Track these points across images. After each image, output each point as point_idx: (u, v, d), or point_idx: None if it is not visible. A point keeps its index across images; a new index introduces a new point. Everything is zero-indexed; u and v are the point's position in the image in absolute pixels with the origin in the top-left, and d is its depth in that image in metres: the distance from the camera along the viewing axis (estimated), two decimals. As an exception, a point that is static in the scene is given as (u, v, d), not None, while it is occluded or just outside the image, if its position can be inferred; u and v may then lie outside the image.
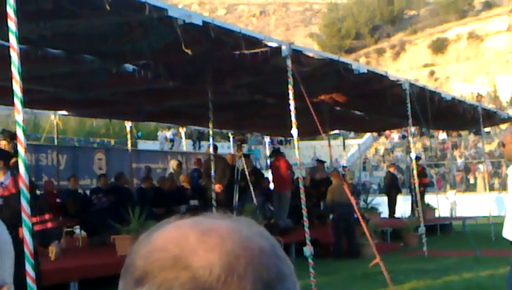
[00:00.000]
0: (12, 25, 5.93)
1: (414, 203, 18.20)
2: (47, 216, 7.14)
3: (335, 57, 12.08)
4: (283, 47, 9.38)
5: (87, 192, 14.79)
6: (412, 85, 13.84)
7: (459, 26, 63.56)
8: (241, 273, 0.72)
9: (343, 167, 22.63)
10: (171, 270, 0.72)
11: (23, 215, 5.88)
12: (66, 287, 9.01)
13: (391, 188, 21.50)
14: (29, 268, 5.80)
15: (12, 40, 5.95)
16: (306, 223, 9.39)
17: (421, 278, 10.45)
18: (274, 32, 76.38)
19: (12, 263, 1.09)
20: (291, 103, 9.35)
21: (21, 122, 5.97)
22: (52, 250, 6.94)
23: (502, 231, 5.91)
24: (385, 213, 20.05)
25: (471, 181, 35.63)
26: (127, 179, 15.44)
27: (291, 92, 9.32)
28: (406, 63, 64.32)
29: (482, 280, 10.18)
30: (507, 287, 5.60)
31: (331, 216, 14.36)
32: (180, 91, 12.89)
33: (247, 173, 14.42)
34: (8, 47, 6.05)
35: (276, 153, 16.45)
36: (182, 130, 21.40)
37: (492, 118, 19.77)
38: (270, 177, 16.64)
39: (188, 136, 29.69)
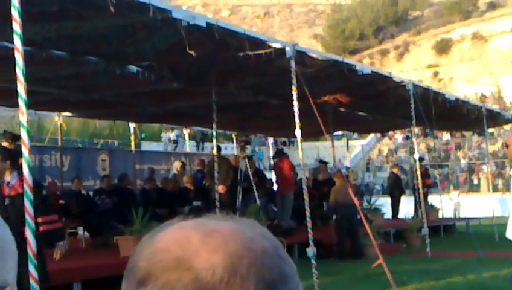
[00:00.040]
0: (17, 26, 5.95)
1: (418, 204, 18.18)
2: (54, 217, 7.18)
3: (339, 58, 12.08)
4: (287, 48, 9.38)
5: (91, 193, 14.81)
6: (415, 86, 13.83)
7: (463, 27, 63.49)
8: (244, 274, 0.72)
9: (347, 167, 22.59)
10: (174, 271, 0.72)
11: (26, 216, 5.90)
12: (69, 288, 9.03)
13: (394, 188, 21.49)
14: (32, 269, 5.81)
15: (17, 42, 5.98)
16: (309, 224, 9.39)
17: (424, 279, 10.44)
18: (278, 34, 76.38)
19: (16, 263, 1.10)
20: (295, 104, 9.36)
21: (25, 124, 5.99)
22: (58, 251, 6.97)
23: (505, 231, 5.91)
24: (388, 214, 20.04)
25: (475, 182, 35.58)
26: (130, 180, 15.46)
27: (295, 93, 9.32)
28: (410, 64, 64.25)
29: (485, 280, 10.17)
30: (510, 287, 5.60)
31: (334, 217, 14.35)
32: (184, 92, 12.90)
33: (250, 173, 14.44)
34: (13, 49, 6.08)
35: (279, 154, 16.45)
36: (186, 132, 21.43)
37: (496, 118, 19.72)
38: (274, 178, 16.65)
39: (192, 137, 29.70)
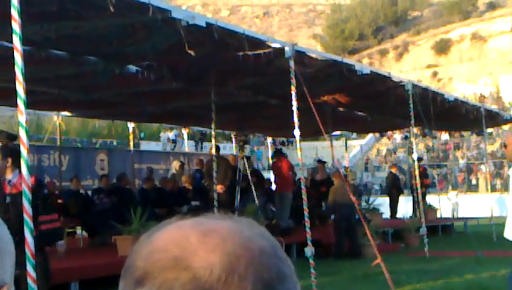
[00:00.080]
0: (16, 26, 5.95)
1: (416, 204, 18.20)
2: (54, 216, 7.21)
3: (338, 58, 12.07)
4: (286, 48, 9.38)
5: (89, 193, 14.80)
6: (414, 86, 13.83)
7: (463, 27, 63.50)
8: (242, 273, 0.72)
9: (345, 167, 22.62)
10: (172, 270, 0.72)
11: (25, 216, 5.90)
12: (67, 287, 9.03)
13: (393, 188, 21.50)
14: (30, 268, 5.81)
15: (16, 42, 5.98)
16: (307, 224, 9.39)
17: (423, 279, 10.44)
18: (277, 34, 76.34)
19: (13, 263, 1.10)
20: (294, 103, 9.36)
21: (24, 123, 5.99)
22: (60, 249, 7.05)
23: (503, 231, 5.92)
24: (387, 214, 20.05)
25: (473, 182, 35.59)
26: (129, 179, 15.45)
27: (294, 93, 9.32)
28: (409, 64, 64.26)
29: (483, 280, 10.18)
30: (508, 287, 5.61)
31: (332, 217, 14.36)
32: (183, 92, 12.90)
33: (248, 173, 14.44)
34: (12, 48, 6.08)
35: (278, 154, 16.45)
36: (185, 131, 21.40)
37: (495, 118, 19.73)
38: (272, 178, 16.66)
39: (191, 137, 29.68)
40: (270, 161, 20.18)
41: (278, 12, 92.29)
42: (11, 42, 6.11)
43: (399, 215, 20.67)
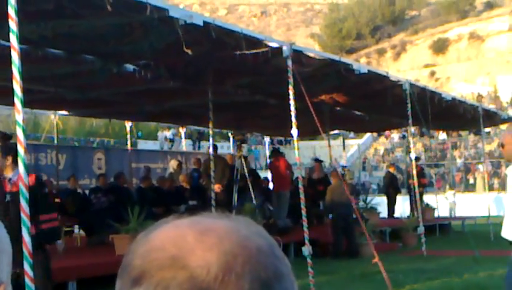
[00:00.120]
0: (13, 25, 5.94)
1: (413, 203, 18.21)
2: (53, 215, 7.21)
3: (336, 57, 12.08)
4: (284, 47, 9.37)
5: (87, 192, 14.79)
6: (412, 85, 13.84)
7: (460, 27, 63.53)
8: (239, 272, 0.72)
9: (343, 167, 22.61)
10: (169, 269, 0.72)
11: (22, 215, 5.89)
12: (65, 287, 9.02)
13: (390, 188, 21.51)
14: (27, 268, 5.80)
15: (13, 40, 5.97)
16: (305, 223, 9.39)
17: (420, 278, 10.45)
18: (275, 33, 76.34)
19: (10, 262, 1.10)
20: (292, 103, 9.36)
21: (21, 122, 5.98)
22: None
23: (501, 231, 5.92)
24: (384, 213, 20.06)
25: (471, 181, 35.62)
26: (126, 178, 15.45)
27: (291, 92, 9.32)
28: (407, 63, 64.28)
29: (480, 279, 10.19)
30: (505, 287, 5.61)
31: (330, 216, 14.37)
32: (181, 91, 12.89)
33: (246, 172, 14.44)
34: (9, 47, 6.07)
35: (275, 153, 16.46)
36: (182, 130, 21.40)
37: (492, 118, 19.75)
38: (270, 177, 16.66)
39: (188, 136, 29.68)
40: (268, 160, 20.18)
41: (276, 12, 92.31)
42: (8, 41, 6.10)
43: (396, 214, 20.67)
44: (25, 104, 6.14)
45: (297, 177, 12.10)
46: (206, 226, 0.76)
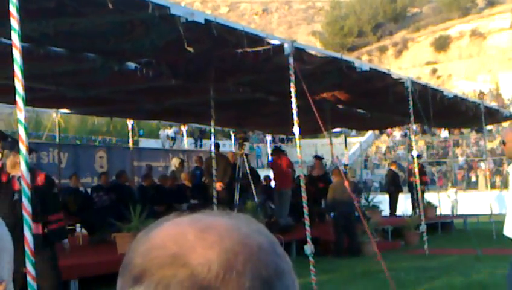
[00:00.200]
0: (14, 23, 5.94)
1: (415, 202, 18.21)
2: (60, 215, 7.24)
3: (337, 54, 12.08)
4: (285, 45, 9.37)
5: (88, 190, 14.80)
6: (414, 83, 13.83)
7: (462, 24, 63.54)
8: (240, 270, 0.72)
9: (345, 165, 22.62)
10: (170, 267, 0.72)
11: (24, 214, 5.90)
12: (67, 285, 9.02)
13: (392, 186, 21.51)
14: (29, 266, 5.81)
15: (15, 38, 5.97)
16: (307, 221, 9.39)
17: (422, 276, 10.44)
18: (276, 30, 76.38)
19: (12, 260, 1.10)
20: (293, 101, 9.35)
21: (23, 120, 5.98)
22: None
23: (503, 229, 5.91)
24: (386, 211, 20.06)
25: (473, 179, 35.61)
26: (128, 177, 15.45)
27: (293, 90, 9.32)
28: (409, 61, 64.27)
29: (483, 278, 10.18)
30: (508, 285, 5.61)
31: (332, 214, 14.36)
32: (182, 89, 12.89)
33: (248, 171, 14.45)
34: (11, 45, 6.07)
35: (277, 151, 16.46)
36: (184, 128, 21.41)
37: (494, 115, 19.72)
38: (271, 175, 16.66)
39: (190, 134, 29.69)
40: (270, 158, 20.17)
41: (277, 9, 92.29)
42: (10, 39, 6.10)
43: (398, 212, 20.67)
44: (27, 102, 6.13)
45: (299, 176, 12.10)
46: (206, 224, 0.76)
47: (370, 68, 12.41)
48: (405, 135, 40.79)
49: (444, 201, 23.52)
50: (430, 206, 19.23)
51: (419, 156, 18.61)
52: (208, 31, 8.43)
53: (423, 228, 13.97)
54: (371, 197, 18.00)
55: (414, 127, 16.35)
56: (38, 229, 6.75)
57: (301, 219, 10.40)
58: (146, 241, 0.77)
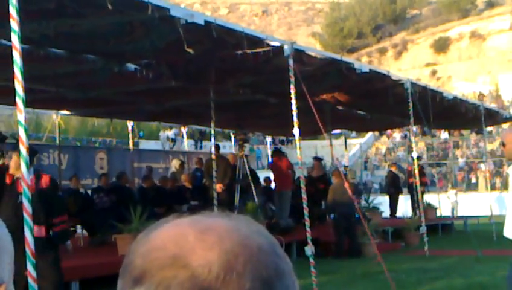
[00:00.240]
0: (14, 24, 5.94)
1: (415, 203, 18.20)
2: (64, 217, 7.24)
3: (337, 56, 12.07)
4: (285, 46, 9.37)
5: (89, 191, 14.80)
6: (413, 84, 13.83)
7: (462, 26, 63.55)
8: (240, 271, 0.72)
9: (345, 166, 22.61)
10: (170, 269, 0.72)
11: (25, 215, 5.89)
12: (67, 286, 9.02)
13: (392, 187, 21.50)
14: (30, 268, 5.81)
15: (15, 40, 5.96)
16: (307, 223, 9.39)
17: (422, 278, 10.45)
18: (276, 32, 76.36)
19: (12, 261, 1.10)
20: (293, 102, 9.35)
21: (23, 122, 5.98)
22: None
23: (503, 230, 5.91)
24: (386, 212, 20.06)
25: (473, 180, 35.61)
26: (128, 178, 15.46)
27: (293, 92, 9.32)
28: (408, 62, 64.28)
29: (483, 279, 10.18)
30: (508, 286, 5.60)
31: (332, 215, 14.37)
32: (182, 91, 12.89)
33: (248, 172, 14.45)
34: (11, 47, 6.06)
35: (277, 153, 16.47)
36: (184, 130, 21.41)
37: (494, 117, 19.73)
38: (272, 176, 16.66)
39: (190, 135, 29.68)
40: (270, 160, 20.18)
41: (277, 11, 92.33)
42: (10, 40, 6.10)
43: (399, 214, 20.67)
44: (27, 103, 6.12)
45: (299, 177, 12.09)
46: (206, 225, 0.76)
47: (370, 70, 12.41)
48: (405, 136, 40.78)
49: (444, 202, 23.51)
50: (430, 208, 19.23)
51: (419, 158, 18.60)
52: (207, 33, 8.43)
53: (423, 229, 13.96)
54: (371, 198, 18.00)
55: (414, 128, 16.35)
56: (41, 232, 6.75)
57: (301, 220, 10.40)
58: (146, 242, 0.77)
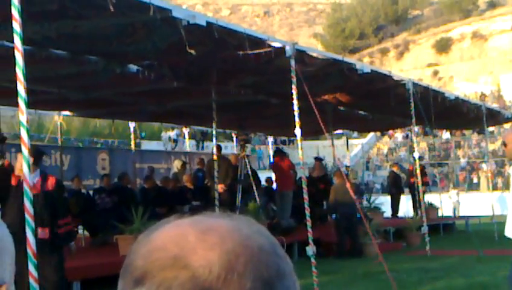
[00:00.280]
0: (17, 26, 5.95)
1: (417, 203, 18.20)
2: (68, 219, 7.24)
3: (339, 57, 12.07)
4: (287, 47, 9.37)
5: (91, 192, 14.81)
6: (415, 85, 13.82)
7: (463, 26, 63.49)
8: (241, 271, 0.72)
9: (346, 166, 22.61)
10: (171, 269, 0.72)
11: (26, 216, 5.90)
12: (69, 287, 9.03)
13: (394, 187, 21.49)
14: (31, 268, 5.82)
15: (17, 41, 5.97)
16: (308, 223, 9.39)
17: (424, 278, 10.44)
18: (278, 33, 76.34)
19: (13, 262, 1.10)
20: (295, 102, 9.35)
21: (25, 123, 5.99)
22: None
23: (504, 230, 5.91)
24: (388, 212, 20.05)
25: (475, 180, 35.59)
26: (130, 179, 15.46)
27: (294, 92, 9.32)
28: (410, 63, 64.24)
29: (484, 279, 10.18)
30: (509, 286, 5.61)
31: (333, 216, 14.37)
32: (184, 91, 12.89)
33: (250, 172, 14.45)
34: (13, 48, 6.08)
35: (279, 153, 16.46)
36: (186, 130, 21.41)
37: (495, 117, 19.72)
38: (273, 177, 16.66)
39: (192, 136, 29.69)
40: (271, 160, 20.16)
41: (279, 12, 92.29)
42: (12, 42, 6.11)
43: (400, 214, 20.66)
44: (29, 105, 6.14)
45: (300, 177, 12.10)
46: (207, 226, 0.76)
47: (371, 70, 12.40)
48: (407, 136, 40.77)
49: (446, 202, 23.49)
50: (432, 208, 19.22)
51: (421, 158, 18.60)
52: (209, 34, 8.43)
53: (425, 229, 13.96)
54: (372, 198, 18.00)
55: (416, 128, 16.34)
56: (45, 234, 6.75)
57: (303, 221, 10.40)
58: (147, 243, 0.77)
